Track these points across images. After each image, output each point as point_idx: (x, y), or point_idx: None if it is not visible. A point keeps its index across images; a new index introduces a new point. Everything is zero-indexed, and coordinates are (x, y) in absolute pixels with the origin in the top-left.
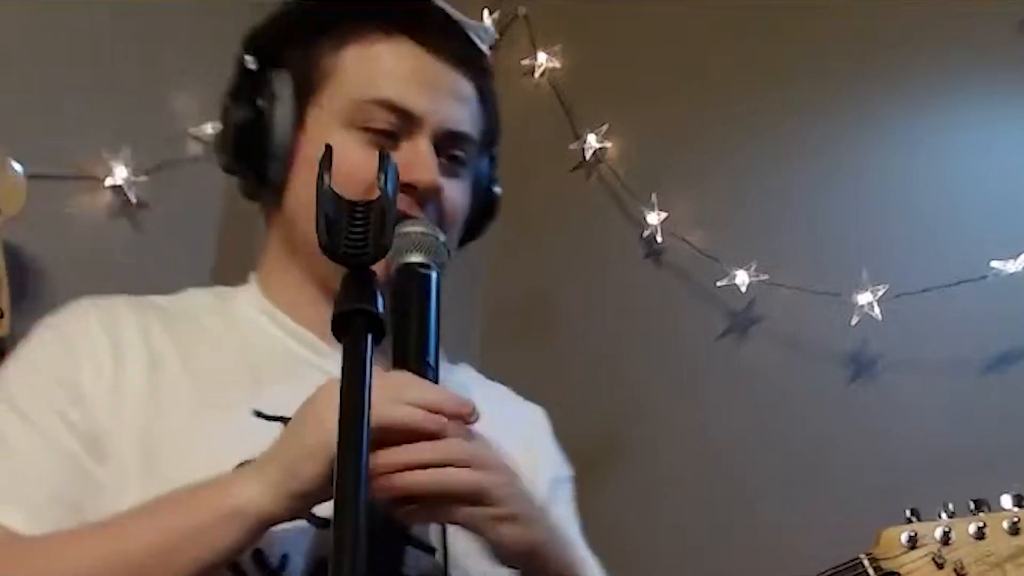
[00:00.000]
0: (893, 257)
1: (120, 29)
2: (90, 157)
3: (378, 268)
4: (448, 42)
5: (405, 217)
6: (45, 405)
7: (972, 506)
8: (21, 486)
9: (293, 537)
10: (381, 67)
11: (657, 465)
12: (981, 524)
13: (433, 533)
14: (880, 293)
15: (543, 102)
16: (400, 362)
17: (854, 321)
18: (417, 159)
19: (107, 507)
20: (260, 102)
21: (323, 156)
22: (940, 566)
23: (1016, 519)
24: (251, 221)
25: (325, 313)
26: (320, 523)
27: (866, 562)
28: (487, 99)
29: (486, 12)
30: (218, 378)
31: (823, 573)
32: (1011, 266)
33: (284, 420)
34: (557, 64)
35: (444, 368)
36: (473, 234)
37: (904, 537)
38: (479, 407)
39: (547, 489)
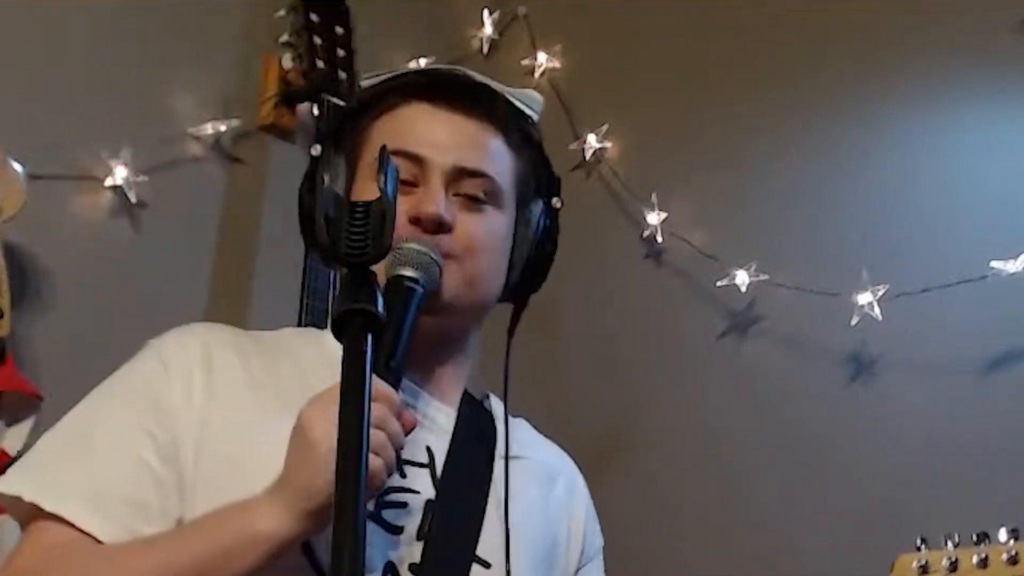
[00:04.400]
0: (893, 257)
1: (120, 29)
2: (90, 157)
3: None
4: (466, 98)
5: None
6: (135, 420)
7: (975, 538)
8: (97, 489)
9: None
10: (397, 125)
11: (657, 465)
12: (984, 555)
13: (490, 547)
14: (880, 293)
15: (543, 102)
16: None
17: (854, 321)
18: (424, 195)
19: (184, 511)
20: (321, 181)
21: (317, 156)
22: None
23: (1014, 551)
24: (251, 221)
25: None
26: (393, 529)
27: None
28: (519, 148)
29: (486, 12)
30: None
31: None
32: (1011, 266)
33: None
34: (557, 64)
35: (505, 421)
36: (526, 283)
37: (915, 564)
38: (534, 463)
39: (587, 555)
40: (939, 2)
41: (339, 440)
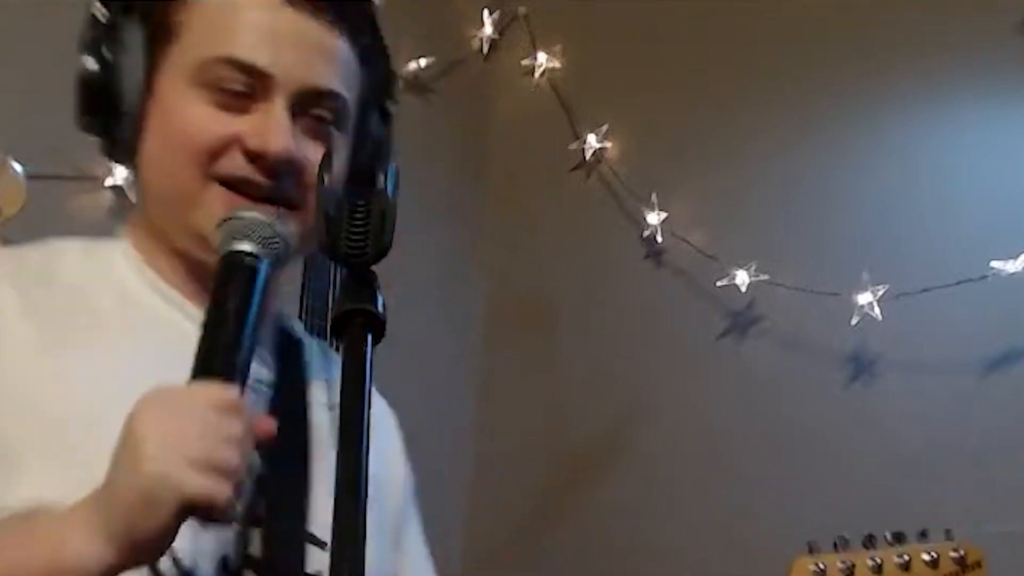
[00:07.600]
0: (893, 257)
1: None
2: (90, 157)
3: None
4: None
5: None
6: None
7: (888, 538)
8: None
9: (204, 539)
10: (232, 20)
11: (657, 465)
12: (906, 557)
13: (323, 523)
14: (880, 293)
15: (543, 102)
16: (204, 365)
17: (854, 321)
18: (267, 123)
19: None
20: (107, 54)
21: (322, 158)
22: None
23: (935, 553)
24: None
25: (185, 275)
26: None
27: None
28: (368, 53)
29: (486, 12)
30: (86, 334)
31: None
32: (1011, 266)
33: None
34: (557, 64)
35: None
36: (363, 179)
37: (812, 568)
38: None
39: (404, 502)
40: (939, 2)
41: (340, 445)
